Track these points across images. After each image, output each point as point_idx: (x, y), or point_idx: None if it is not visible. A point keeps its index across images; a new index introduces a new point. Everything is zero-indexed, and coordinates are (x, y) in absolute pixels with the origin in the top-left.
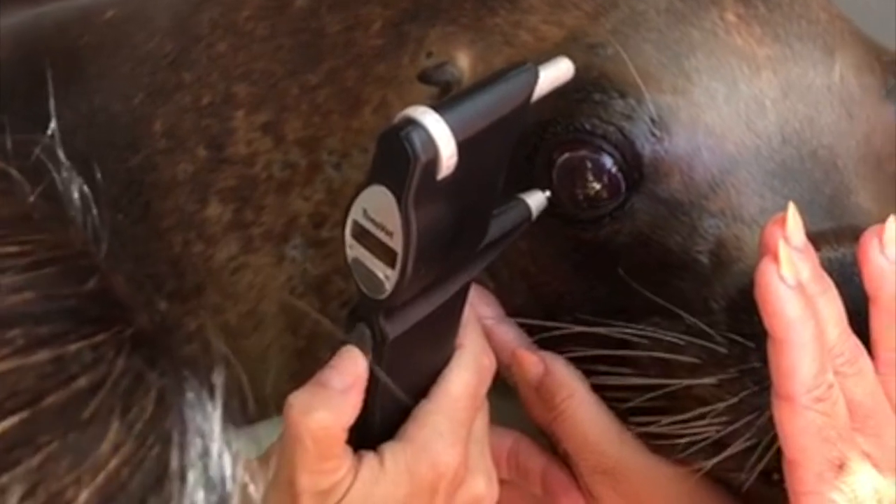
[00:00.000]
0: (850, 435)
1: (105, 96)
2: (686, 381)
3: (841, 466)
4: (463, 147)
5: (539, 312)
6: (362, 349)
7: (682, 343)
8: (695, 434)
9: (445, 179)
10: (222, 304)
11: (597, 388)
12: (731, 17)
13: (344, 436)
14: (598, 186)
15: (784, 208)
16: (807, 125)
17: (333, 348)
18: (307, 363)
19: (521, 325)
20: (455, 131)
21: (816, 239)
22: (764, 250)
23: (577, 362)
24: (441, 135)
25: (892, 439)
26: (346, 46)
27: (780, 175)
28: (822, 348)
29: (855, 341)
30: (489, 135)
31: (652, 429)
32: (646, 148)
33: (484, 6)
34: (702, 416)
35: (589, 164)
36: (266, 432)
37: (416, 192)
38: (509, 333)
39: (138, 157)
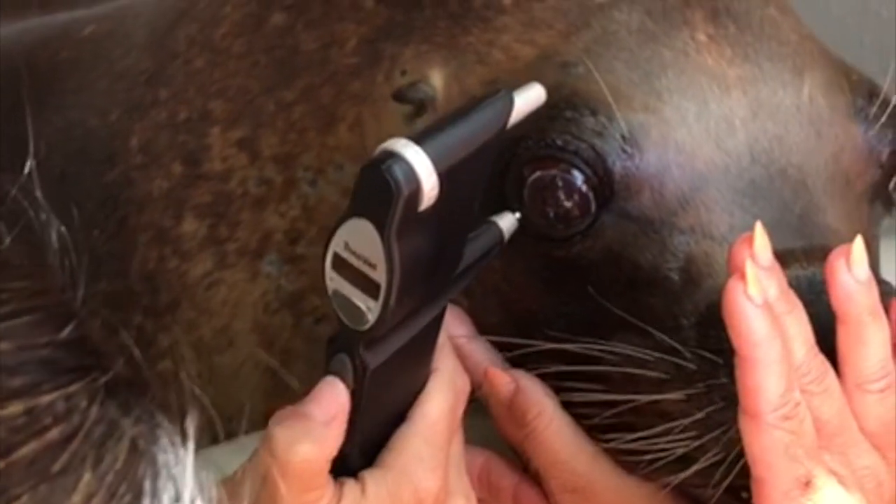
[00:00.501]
0: (818, 453)
1: (82, 111)
2: (653, 396)
3: (808, 484)
4: (443, 177)
5: (511, 330)
6: (343, 379)
7: (650, 359)
8: (662, 449)
9: (426, 210)
10: (196, 320)
11: (567, 405)
12: (701, 37)
13: (327, 467)
14: (568, 205)
15: (753, 226)
16: (776, 144)
17: (307, 371)
18: (280, 381)
19: (494, 343)
20: (436, 163)
21: (785, 257)
22: (731, 269)
23: (548, 378)
24: (422, 167)
25: (859, 458)
26: (322, 64)
27: (749, 193)
28: (788, 367)
29: (822, 360)
30: (467, 163)
31: (620, 444)
32: (617, 164)
33: (457, 25)
34: (669, 432)
35: (560, 183)
36: (223, 455)
37: (399, 225)
38: (481, 352)
39: (114, 173)
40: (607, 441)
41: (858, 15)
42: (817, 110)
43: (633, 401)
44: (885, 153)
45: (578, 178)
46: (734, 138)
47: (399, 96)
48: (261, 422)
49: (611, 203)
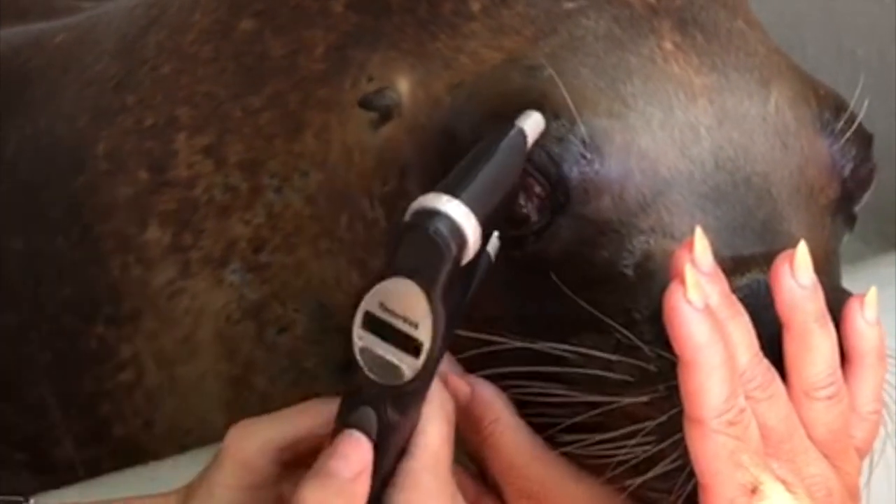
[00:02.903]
0: (764, 460)
1: (50, 119)
2: (615, 399)
3: (754, 491)
4: (484, 227)
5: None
6: (367, 433)
7: (613, 360)
8: (625, 453)
9: (468, 263)
10: (158, 330)
11: (533, 406)
12: (668, 45)
13: None
14: (521, 209)
15: (715, 229)
16: (741, 153)
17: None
18: (242, 391)
19: (457, 345)
20: (477, 214)
21: (747, 262)
22: (672, 274)
23: (512, 379)
24: (467, 223)
25: (808, 465)
26: (290, 70)
27: (712, 198)
28: (731, 372)
29: (767, 366)
30: (498, 208)
31: (585, 448)
32: (574, 170)
33: (425, 31)
34: (632, 435)
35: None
36: (166, 472)
37: (444, 283)
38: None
39: (80, 180)
40: (571, 443)
41: (833, 54)
42: (783, 122)
43: (600, 403)
44: (847, 168)
45: (534, 184)
46: (699, 146)
47: (365, 103)
48: (220, 435)
49: (567, 207)
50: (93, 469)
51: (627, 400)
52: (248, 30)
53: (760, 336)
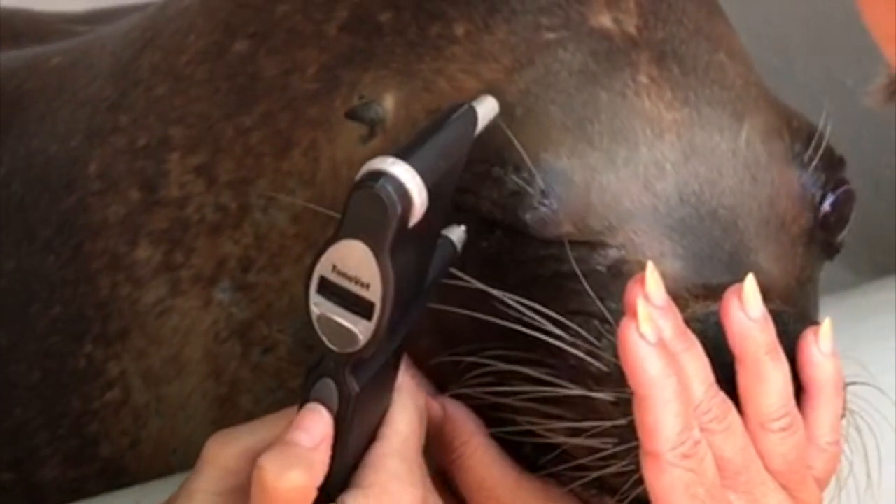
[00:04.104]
0: (721, 492)
1: (44, 139)
2: (593, 393)
3: None
4: (430, 192)
5: (445, 346)
6: (327, 405)
7: (598, 345)
8: (584, 447)
9: (413, 226)
10: (146, 349)
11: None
12: (643, 78)
13: (314, 494)
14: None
15: (684, 256)
16: (707, 187)
17: (253, 403)
18: (227, 411)
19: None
20: (423, 177)
21: (715, 291)
22: (625, 309)
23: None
24: (413, 183)
25: (765, 497)
26: (282, 90)
27: (678, 229)
28: (685, 405)
29: (723, 398)
30: (445, 177)
31: (546, 431)
32: (528, 214)
33: (413, 52)
34: (594, 428)
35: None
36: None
37: (392, 242)
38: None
39: (72, 199)
40: (535, 425)
41: (823, 83)
42: (754, 155)
43: (570, 389)
44: (818, 195)
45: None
46: (663, 181)
47: (351, 114)
48: None
49: (525, 234)
50: (78, 490)
51: (597, 395)
52: (241, 51)
53: (726, 366)
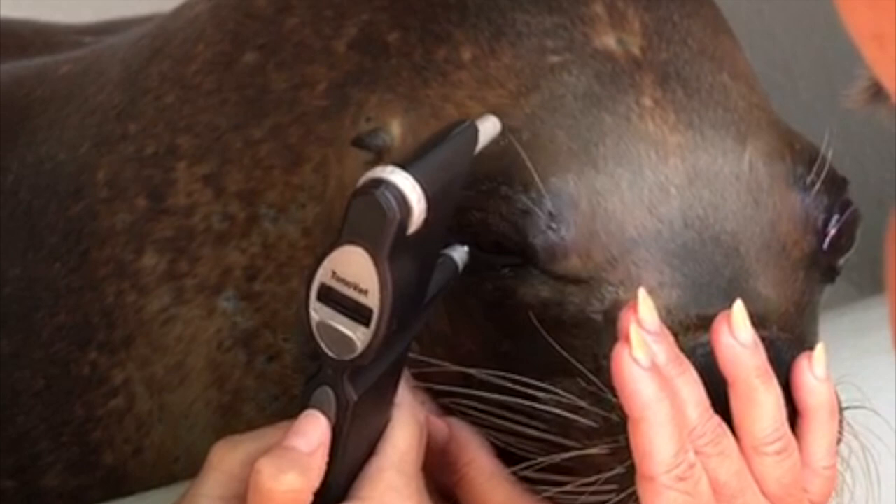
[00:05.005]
0: None
1: (52, 146)
2: (588, 450)
3: None
4: (429, 201)
5: (453, 376)
6: (325, 413)
7: (581, 405)
8: (585, 499)
9: (412, 235)
10: (150, 357)
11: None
12: (647, 101)
13: (310, 499)
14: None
15: (682, 285)
16: (711, 211)
17: (256, 412)
18: (230, 420)
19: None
20: (423, 186)
21: (708, 323)
22: (618, 335)
23: (483, 412)
24: (412, 191)
25: None
26: (292, 104)
27: (680, 255)
28: (679, 428)
29: (718, 421)
30: (444, 190)
31: (548, 493)
32: (538, 239)
33: (419, 76)
34: (593, 483)
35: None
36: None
37: (391, 249)
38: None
39: (79, 206)
40: (536, 483)
41: (826, 100)
42: (756, 179)
43: (565, 447)
44: (821, 219)
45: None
46: (668, 205)
47: (358, 142)
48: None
49: (532, 266)
50: (80, 498)
51: (590, 452)
52: (250, 63)
53: (721, 393)
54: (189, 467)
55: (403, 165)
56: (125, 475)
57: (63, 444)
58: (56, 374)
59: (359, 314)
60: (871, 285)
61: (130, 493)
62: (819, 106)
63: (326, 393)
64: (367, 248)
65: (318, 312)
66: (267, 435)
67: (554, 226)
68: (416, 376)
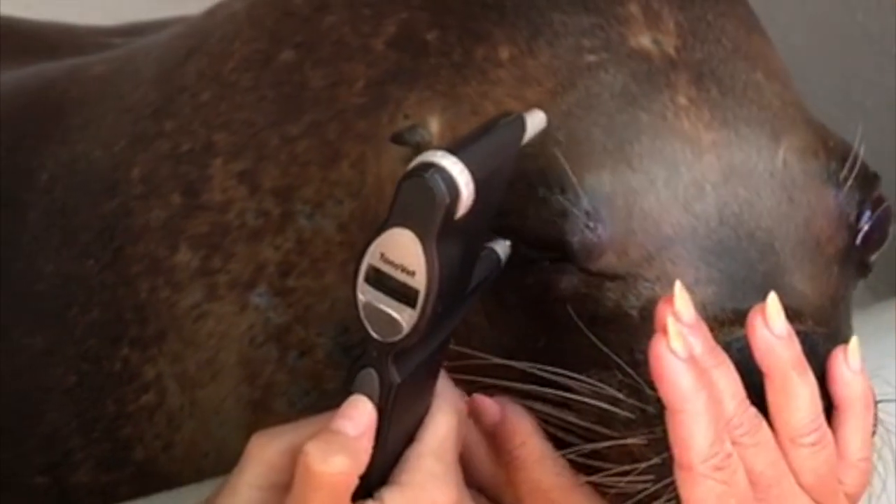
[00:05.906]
0: None
1: (87, 144)
2: (626, 440)
3: None
4: (477, 187)
5: (488, 369)
6: (370, 397)
7: (619, 397)
8: (621, 488)
9: (460, 220)
10: (182, 353)
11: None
12: (682, 100)
13: (356, 483)
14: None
15: (718, 281)
16: (746, 208)
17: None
18: (261, 415)
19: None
20: (472, 172)
21: (744, 318)
22: (656, 328)
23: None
24: (461, 175)
25: None
26: (330, 101)
27: (715, 251)
28: (716, 418)
29: (754, 412)
30: (491, 178)
31: (586, 478)
32: (576, 238)
33: (458, 74)
34: (630, 472)
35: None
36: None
37: (439, 232)
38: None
39: (114, 203)
40: (576, 469)
41: (841, 105)
42: (791, 176)
43: (604, 436)
44: (853, 215)
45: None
46: (703, 202)
47: (397, 138)
48: (237, 459)
49: (569, 263)
50: (111, 494)
51: (628, 441)
52: (288, 60)
53: (757, 387)
54: (219, 463)
55: (453, 150)
56: (155, 471)
57: (94, 440)
58: (88, 371)
59: (405, 296)
60: (888, 288)
61: (160, 489)
62: (836, 112)
63: (371, 374)
64: (415, 230)
65: (366, 294)
66: (306, 426)
67: (591, 224)
68: (453, 369)
